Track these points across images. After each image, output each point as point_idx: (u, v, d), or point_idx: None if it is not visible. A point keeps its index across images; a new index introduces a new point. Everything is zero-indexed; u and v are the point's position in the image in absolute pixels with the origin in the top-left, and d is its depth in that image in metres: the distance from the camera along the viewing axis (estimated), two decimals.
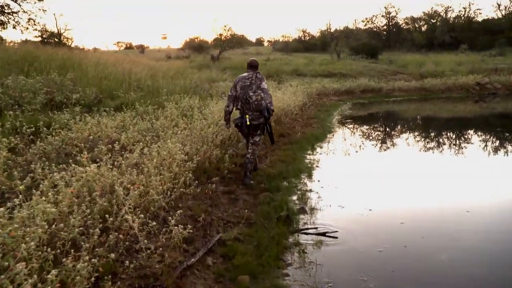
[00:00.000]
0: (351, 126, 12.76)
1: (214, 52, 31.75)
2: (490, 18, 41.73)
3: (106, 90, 9.95)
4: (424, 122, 14.24)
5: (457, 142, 10.33)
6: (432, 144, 10.06)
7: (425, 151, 9.15)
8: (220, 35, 33.28)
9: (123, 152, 5.10)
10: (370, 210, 5.14)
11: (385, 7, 44.14)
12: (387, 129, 12.58)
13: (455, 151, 9.06)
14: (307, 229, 4.57)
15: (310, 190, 5.89)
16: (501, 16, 41.42)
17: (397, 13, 44.56)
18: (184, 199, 4.67)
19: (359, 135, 11.22)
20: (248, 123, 5.51)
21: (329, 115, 13.60)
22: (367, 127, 12.93)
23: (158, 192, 4.02)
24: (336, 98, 18.91)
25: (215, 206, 4.90)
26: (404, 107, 18.11)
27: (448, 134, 11.58)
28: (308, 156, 8.03)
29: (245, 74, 5.70)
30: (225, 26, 32.38)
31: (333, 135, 10.36)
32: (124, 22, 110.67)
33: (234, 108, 5.80)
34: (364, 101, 19.19)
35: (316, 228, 4.58)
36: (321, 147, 8.89)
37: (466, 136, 11.19)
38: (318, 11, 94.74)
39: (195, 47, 40.79)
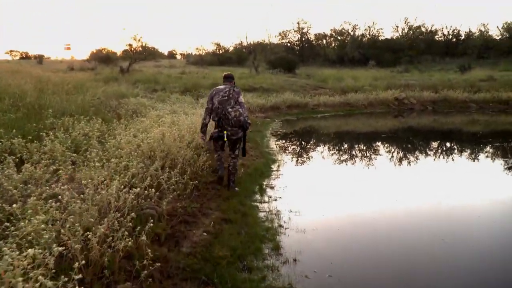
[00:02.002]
0: (292, 149, 10.61)
1: (124, 64, 28.04)
2: (391, 38, 43.44)
3: None
4: (371, 138, 12.61)
5: (407, 154, 8.66)
6: (407, 162, 8.23)
7: (407, 170, 7.28)
8: (130, 45, 29.70)
9: None
10: None
11: (298, 22, 43.93)
12: (335, 151, 10.61)
13: (406, 162, 7.28)
14: None
15: None
16: (399, 36, 43.37)
17: (308, 29, 44.61)
18: None
19: (310, 163, 9.03)
20: (225, 139, 5.48)
21: (263, 137, 11.29)
22: (312, 150, 10.81)
23: None
24: (262, 115, 16.79)
25: None
26: (336, 124, 16.58)
27: (395, 148, 9.97)
28: (260, 206, 5.54)
29: (221, 86, 5.62)
30: (135, 36, 28.85)
31: (278, 165, 8.01)
32: (23, 29, 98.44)
33: (211, 120, 5.68)
34: (292, 117, 17.31)
35: None
36: (271, 187, 6.47)
37: (415, 150, 9.64)
38: (230, 24, 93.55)
39: (102, 58, 36.46)
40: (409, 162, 9.20)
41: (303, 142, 12.15)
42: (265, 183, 6.68)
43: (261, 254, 3.98)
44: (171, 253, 3.74)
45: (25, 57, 49.34)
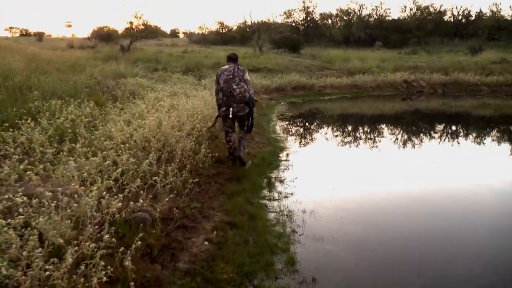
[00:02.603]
0: (301, 135, 9.85)
1: (125, 42, 26.97)
2: (399, 18, 41.94)
3: None
4: (382, 123, 11.83)
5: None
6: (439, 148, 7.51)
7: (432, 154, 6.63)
8: (131, 23, 28.55)
9: None
10: None
11: (303, 1, 42.36)
12: (347, 137, 9.85)
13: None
14: None
15: None
16: (406, 17, 41.88)
17: (314, 8, 43.11)
18: None
19: (321, 151, 8.28)
20: (230, 115, 5.49)
21: (269, 121, 10.53)
22: (322, 136, 10.01)
23: None
24: (267, 97, 15.98)
25: None
26: (344, 107, 15.77)
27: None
28: (270, 205, 4.83)
29: (226, 66, 5.64)
30: (136, 14, 27.68)
31: (287, 154, 7.27)
32: (24, 5, 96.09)
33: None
34: (298, 100, 16.47)
35: None
36: (281, 181, 5.74)
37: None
38: (234, 3, 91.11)
39: (103, 36, 35.33)
40: (422, 151, 8.46)
41: (311, 127, 11.37)
42: (273, 175, 5.96)
43: (273, 271, 3.30)
44: (165, 271, 3.06)
45: (25, 34, 48.07)
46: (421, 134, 10.65)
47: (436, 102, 17.71)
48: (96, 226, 2.77)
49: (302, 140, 9.24)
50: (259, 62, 22.86)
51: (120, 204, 3.08)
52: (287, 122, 11.33)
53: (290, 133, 9.81)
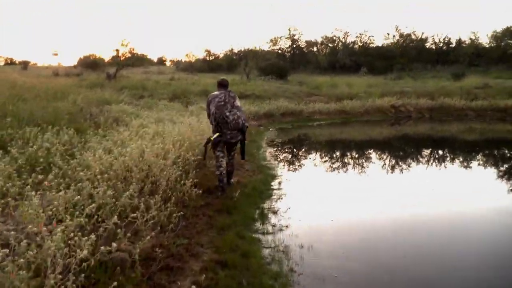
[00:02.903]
0: (292, 162, 9.49)
1: (111, 70, 26.68)
2: (383, 45, 42.75)
3: None
4: (375, 149, 11.56)
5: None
6: (435, 173, 7.18)
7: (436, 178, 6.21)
8: (117, 50, 28.35)
9: None
10: None
11: (289, 29, 42.97)
12: (340, 163, 9.51)
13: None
14: None
15: None
16: (390, 44, 42.70)
17: (300, 36, 43.67)
18: None
19: (314, 178, 7.89)
20: (215, 141, 5.37)
21: (258, 148, 10.16)
22: (314, 163, 9.62)
23: None
24: (256, 123, 15.66)
25: None
26: (334, 132, 15.54)
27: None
28: (264, 239, 4.38)
29: (217, 92, 5.57)
30: (123, 41, 27.52)
31: (279, 182, 6.87)
32: (9, 35, 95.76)
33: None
34: (287, 126, 16.21)
35: None
36: (274, 212, 5.31)
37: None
38: (220, 31, 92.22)
39: (89, 64, 35.10)
40: (417, 176, 8.16)
41: (302, 154, 11.02)
42: (266, 206, 5.54)
43: None
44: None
45: (10, 63, 47.51)
46: (413, 160, 10.39)
47: (423, 127, 17.66)
48: (62, 273, 2.30)
49: (294, 167, 8.85)
50: (246, 88, 22.71)
51: (93, 244, 2.62)
52: (277, 149, 10.98)
53: (281, 160, 9.44)
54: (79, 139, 6.03)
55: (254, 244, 4.16)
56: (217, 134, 5.39)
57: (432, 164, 9.79)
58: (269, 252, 4.06)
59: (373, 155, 11.00)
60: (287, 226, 4.81)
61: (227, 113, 5.33)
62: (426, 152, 11.67)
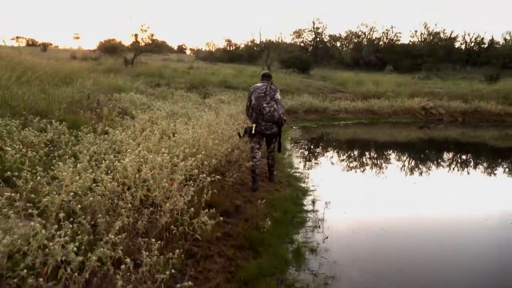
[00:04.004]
0: (324, 170, 7.99)
1: (129, 56, 25.51)
2: (409, 43, 40.64)
3: None
4: (420, 155, 10.08)
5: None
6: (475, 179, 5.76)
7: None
8: (136, 35, 27.10)
9: None
10: None
11: (313, 22, 41.18)
12: (382, 173, 8.07)
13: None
14: None
15: None
16: (417, 42, 40.59)
17: (324, 29, 41.85)
18: None
19: (357, 193, 6.38)
20: (253, 132, 5.37)
21: (283, 150, 8.83)
22: (351, 172, 8.08)
23: None
24: None
25: None
26: (365, 134, 14.03)
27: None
28: None
29: (259, 84, 5.60)
30: (142, 26, 26.29)
31: (312, 200, 5.49)
32: (33, 16, 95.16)
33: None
34: (311, 124, 14.78)
35: None
36: (313, 250, 3.93)
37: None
38: (242, 21, 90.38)
39: (108, 49, 34.05)
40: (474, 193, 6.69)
41: (334, 161, 9.37)
42: (300, 238, 4.19)
43: None
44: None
45: (32, 44, 46.90)
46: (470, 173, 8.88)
47: (455, 131, 16.04)
48: None
49: (326, 179, 7.25)
50: None
51: None
52: (304, 152, 9.60)
53: (310, 167, 8.01)
54: (69, 136, 4.77)
55: None
56: (254, 125, 5.34)
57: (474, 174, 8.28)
58: None
59: (425, 167, 9.50)
60: (333, 277, 3.46)
61: (264, 105, 5.31)
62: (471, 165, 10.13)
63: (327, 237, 4.27)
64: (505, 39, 37.43)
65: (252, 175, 5.57)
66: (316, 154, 9.78)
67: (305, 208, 5.19)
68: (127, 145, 4.09)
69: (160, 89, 15.48)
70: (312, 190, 6.02)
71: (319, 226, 4.58)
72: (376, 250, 4.18)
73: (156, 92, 14.32)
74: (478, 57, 36.25)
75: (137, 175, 3.25)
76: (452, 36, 39.47)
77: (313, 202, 5.46)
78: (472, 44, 38.31)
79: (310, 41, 42.21)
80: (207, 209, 3.44)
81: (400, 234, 4.72)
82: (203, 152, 4.35)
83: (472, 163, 9.92)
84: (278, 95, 5.52)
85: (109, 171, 3.30)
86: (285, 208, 4.85)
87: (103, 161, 3.48)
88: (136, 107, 8.47)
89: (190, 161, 3.64)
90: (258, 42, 39.40)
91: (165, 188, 3.14)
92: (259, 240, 3.81)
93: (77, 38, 54.54)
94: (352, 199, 5.98)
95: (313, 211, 5.10)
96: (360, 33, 40.51)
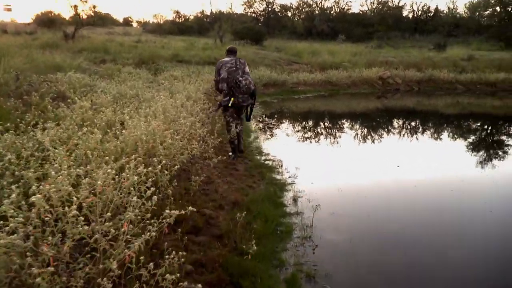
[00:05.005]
0: (300, 155, 7.07)
1: (69, 29, 22.81)
2: (360, 12, 40.30)
3: None
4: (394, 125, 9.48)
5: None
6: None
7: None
8: (75, 6, 24.29)
9: None
10: None
11: None
12: (363, 155, 7.36)
13: None
14: None
15: None
16: (367, 11, 40.36)
17: None
18: None
19: (345, 184, 5.58)
20: (229, 104, 5.45)
21: (248, 133, 7.87)
22: (332, 154, 7.24)
23: None
24: None
25: None
26: (327, 107, 13.43)
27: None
28: None
29: (227, 59, 5.62)
30: None
31: (293, 198, 4.60)
32: None
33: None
34: (271, 99, 13.86)
35: None
36: (310, 276, 3.10)
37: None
38: None
39: (46, 22, 30.61)
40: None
41: (304, 140, 8.50)
42: (291, 259, 3.30)
43: None
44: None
45: None
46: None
47: (411, 100, 16.00)
48: None
49: (303, 165, 6.12)
50: (221, 54, 19.85)
51: None
52: (270, 133, 8.70)
53: (281, 152, 7.04)
54: None
55: None
56: (231, 99, 5.40)
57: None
58: None
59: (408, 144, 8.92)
60: None
61: (240, 78, 5.39)
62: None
63: (331, 264, 3.42)
64: (448, 8, 38.09)
65: (231, 146, 5.82)
66: (284, 134, 8.89)
67: (287, 210, 4.29)
68: (55, 154, 2.92)
69: (106, 66, 13.79)
70: (290, 184, 5.14)
71: (310, 237, 3.71)
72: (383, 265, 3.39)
73: (100, 69, 12.68)
74: (425, 25, 36.63)
75: (66, 207, 2.15)
76: (400, 4, 39.59)
77: (295, 200, 4.58)
78: (420, 12, 38.64)
79: (261, 11, 40.72)
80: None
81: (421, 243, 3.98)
82: (161, 155, 3.26)
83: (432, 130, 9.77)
84: (247, 68, 5.63)
85: (21, 205, 2.17)
86: (264, 214, 3.92)
87: (15, 187, 2.33)
88: (76, 90, 7.08)
89: (143, 177, 2.56)
90: (208, 13, 37.32)
91: (108, 227, 2.07)
92: (241, 269, 2.88)
93: (8, 9, 48.92)
94: (336, 191, 5.14)
95: (297, 213, 4.22)
96: (311, 2, 39.50)
